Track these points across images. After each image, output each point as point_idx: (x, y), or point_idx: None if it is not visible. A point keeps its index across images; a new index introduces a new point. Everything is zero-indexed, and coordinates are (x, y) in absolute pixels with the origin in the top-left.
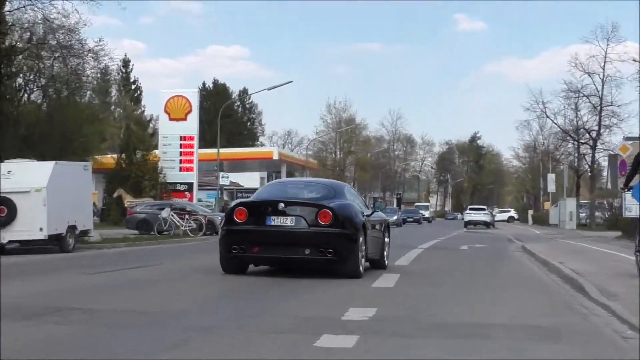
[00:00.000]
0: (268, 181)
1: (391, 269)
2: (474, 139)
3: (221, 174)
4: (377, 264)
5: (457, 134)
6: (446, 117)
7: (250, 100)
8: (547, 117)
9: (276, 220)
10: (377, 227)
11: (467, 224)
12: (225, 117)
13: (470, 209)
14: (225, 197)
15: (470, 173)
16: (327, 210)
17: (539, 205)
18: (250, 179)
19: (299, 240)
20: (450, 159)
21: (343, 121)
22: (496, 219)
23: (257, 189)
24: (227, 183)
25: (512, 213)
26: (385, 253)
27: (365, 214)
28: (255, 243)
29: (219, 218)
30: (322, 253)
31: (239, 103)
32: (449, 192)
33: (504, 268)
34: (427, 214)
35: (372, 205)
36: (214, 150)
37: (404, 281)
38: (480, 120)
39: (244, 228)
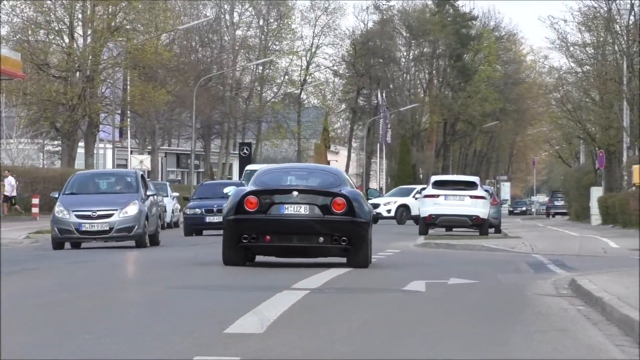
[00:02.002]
0: None
1: (224, 345)
2: None
3: None
4: None
5: None
6: None
7: None
8: None
9: (290, 209)
10: None
11: (431, 222)
12: None
13: (437, 185)
14: None
15: (441, 87)
16: (342, 198)
17: (613, 173)
18: None
19: (313, 228)
20: (383, 50)
21: None
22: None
23: None
24: None
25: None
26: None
27: None
28: (267, 232)
29: None
30: (336, 241)
31: None
32: (385, 137)
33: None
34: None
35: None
36: None
37: None
38: None
39: (257, 217)
